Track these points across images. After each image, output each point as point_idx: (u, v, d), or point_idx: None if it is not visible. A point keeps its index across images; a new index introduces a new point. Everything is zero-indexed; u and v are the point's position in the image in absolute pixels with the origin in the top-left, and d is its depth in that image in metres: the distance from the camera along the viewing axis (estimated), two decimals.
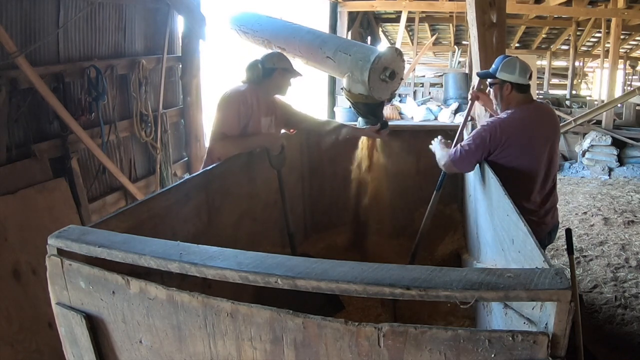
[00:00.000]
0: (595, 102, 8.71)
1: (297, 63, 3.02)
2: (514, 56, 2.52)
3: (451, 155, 2.45)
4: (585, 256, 4.34)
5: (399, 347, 0.98)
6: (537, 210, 2.44)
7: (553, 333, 0.94)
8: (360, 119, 2.95)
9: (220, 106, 2.54)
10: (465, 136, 2.72)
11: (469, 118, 3.00)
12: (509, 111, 2.39)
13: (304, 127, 3.05)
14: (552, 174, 2.49)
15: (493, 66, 2.46)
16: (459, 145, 2.46)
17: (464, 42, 11.90)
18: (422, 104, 9.61)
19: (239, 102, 2.49)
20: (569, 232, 2.49)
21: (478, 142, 2.36)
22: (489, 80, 2.51)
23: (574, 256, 2.46)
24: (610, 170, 7.41)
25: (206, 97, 4.40)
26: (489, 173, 2.19)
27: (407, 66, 8.69)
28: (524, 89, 2.41)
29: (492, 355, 0.93)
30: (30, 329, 2.39)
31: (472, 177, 2.87)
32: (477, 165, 2.49)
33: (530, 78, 2.43)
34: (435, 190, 2.91)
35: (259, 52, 2.85)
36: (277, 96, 2.76)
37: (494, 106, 2.56)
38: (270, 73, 2.60)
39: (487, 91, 2.67)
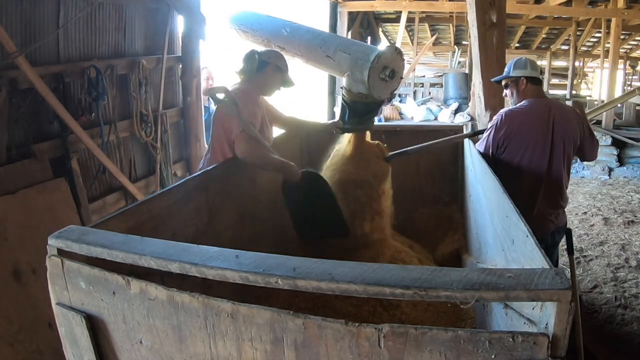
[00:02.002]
0: (595, 102, 8.71)
1: (296, 62, 3.02)
2: (522, 56, 2.79)
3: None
4: (585, 256, 4.34)
5: (399, 347, 0.98)
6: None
7: (553, 333, 0.93)
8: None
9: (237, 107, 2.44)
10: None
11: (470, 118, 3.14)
12: (520, 103, 2.58)
13: (285, 128, 3.05)
14: (559, 171, 2.56)
15: (505, 70, 2.67)
16: (477, 143, 2.75)
17: (464, 42, 11.91)
18: (422, 104, 9.62)
19: (254, 104, 2.51)
20: (569, 232, 2.51)
21: (488, 134, 2.59)
22: (504, 82, 2.68)
23: (574, 256, 2.47)
24: (610, 170, 7.41)
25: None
26: (489, 172, 2.19)
27: (407, 66, 8.70)
28: (537, 81, 2.60)
29: (493, 356, 0.93)
30: (30, 329, 2.39)
31: (472, 177, 2.88)
32: (479, 164, 2.51)
33: (542, 74, 2.60)
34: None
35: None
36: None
37: (511, 104, 2.70)
38: (263, 66, 2.58)
39: (503, 95, 2.85)
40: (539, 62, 11.95)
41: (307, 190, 2.56)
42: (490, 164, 2.57)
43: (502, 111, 2.60)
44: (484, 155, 2.59)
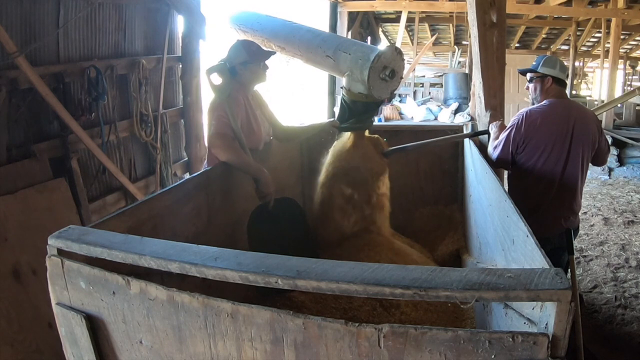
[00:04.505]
0: (595, 102, 8.71)
1: (296, 62, 3.02)
2: (553, 55, 2.73)
3: (490, 153, 2.69)
4: (585, 256, 4.34)
5: (399, 347, 0.98)
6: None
7: (553, 333, 0.94)
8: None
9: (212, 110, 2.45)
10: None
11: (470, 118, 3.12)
12: (541, 103, 2.57)
13: (281, 139, 2.96)
14: (574, 174, 2.54)
15: (534, 63, 2.66)
16: (496, 142, 2.66)
17: (464, 42, 11.90)
18: (422, 104, 9.62)
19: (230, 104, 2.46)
20: (568, 232, 2.51)
21: (507, 133, 2.56)
22: (529, 75, 2.66)
23: (574, 256, 2.47)
24: (610, 170, 7.40)
25: (205, 97, 4.39)
26: (490, 172, 2.19)
27: (407, 66, 8.70)
28: (562, 83, 2.60)
29: (492, 356, 0.93)
30: (30, 329, 2.39)
31: (472, 177, 2.88)
32: (479, 164, 2.51)
33: (567, 77, 2.66)
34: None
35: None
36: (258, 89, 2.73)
37: (532, 100, 2.70)
38: (234, 71, 2.54)
39: (525, 87, 2.85)
40: None
41: (280, 220, 2.48)
42: (509, 163, 2.59)
43: (522, 111, 2.59)
44: (503, 155, 2.56)
